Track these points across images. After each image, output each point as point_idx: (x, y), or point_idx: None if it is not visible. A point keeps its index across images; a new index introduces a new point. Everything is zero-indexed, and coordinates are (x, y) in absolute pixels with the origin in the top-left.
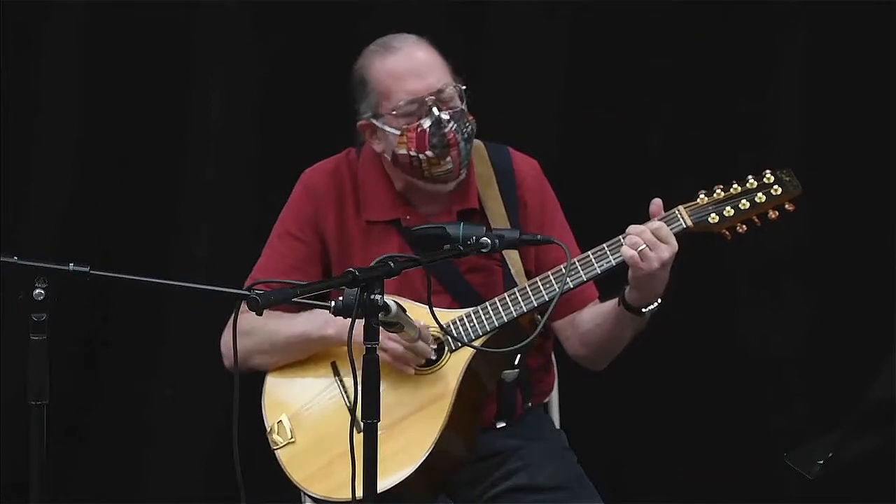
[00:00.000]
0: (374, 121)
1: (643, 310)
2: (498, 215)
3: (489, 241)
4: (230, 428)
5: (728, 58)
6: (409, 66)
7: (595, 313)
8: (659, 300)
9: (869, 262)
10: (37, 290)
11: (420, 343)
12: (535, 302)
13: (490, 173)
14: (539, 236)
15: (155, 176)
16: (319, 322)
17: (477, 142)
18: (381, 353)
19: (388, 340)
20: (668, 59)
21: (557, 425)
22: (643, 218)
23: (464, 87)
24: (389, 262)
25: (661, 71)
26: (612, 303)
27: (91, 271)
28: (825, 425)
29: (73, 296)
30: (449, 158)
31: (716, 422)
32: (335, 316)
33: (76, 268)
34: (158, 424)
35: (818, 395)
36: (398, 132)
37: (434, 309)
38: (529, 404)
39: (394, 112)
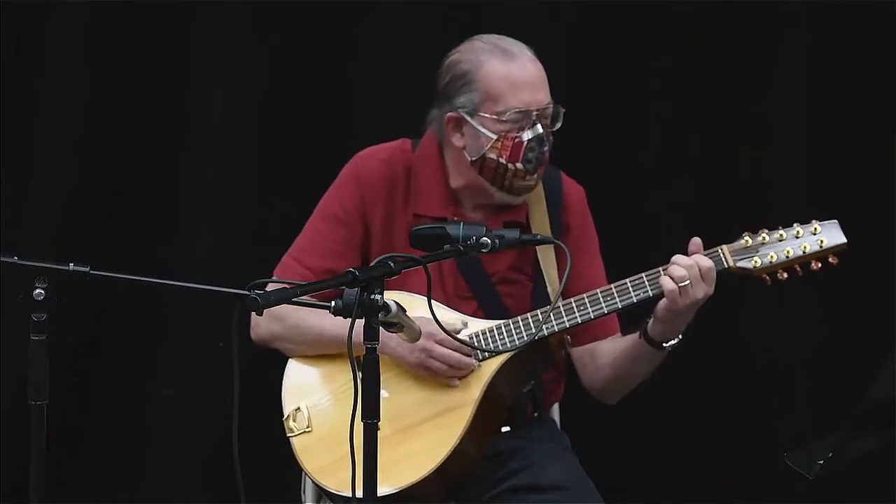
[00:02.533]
0: (467, 117)
1: (664, 344)
2: (542, 233)
3: (489, 241)
4: (230, 427)
5: (728, 58)
6: (526, 77)
7: (614, 346)
8: (680, 336)
9: (871, 264)
10: (37, 290)
11: (463, 358)
12: (567, 322)
13: (540, 191)
14: (539, 236)
15: (155, 176)
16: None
17: None
18: (423, 372)
19: (433, 360)
20: (668, 59)
21: (559, 427)
22: (643, 218)
23: (563, 110)
24: (389, 262)
25: (661, 71)
26: (632, 336)
27: (91, 271)
28: (827, 427)
29: (73, 296)
30: (535, 175)
31: (718, 424)
32: (335, 316)
33: (76, 268)
34: (158, 424)
35: (821, 399)
36: (494, 136)
37: (461, 315)
38: (536, 414)
39: (497, 117)
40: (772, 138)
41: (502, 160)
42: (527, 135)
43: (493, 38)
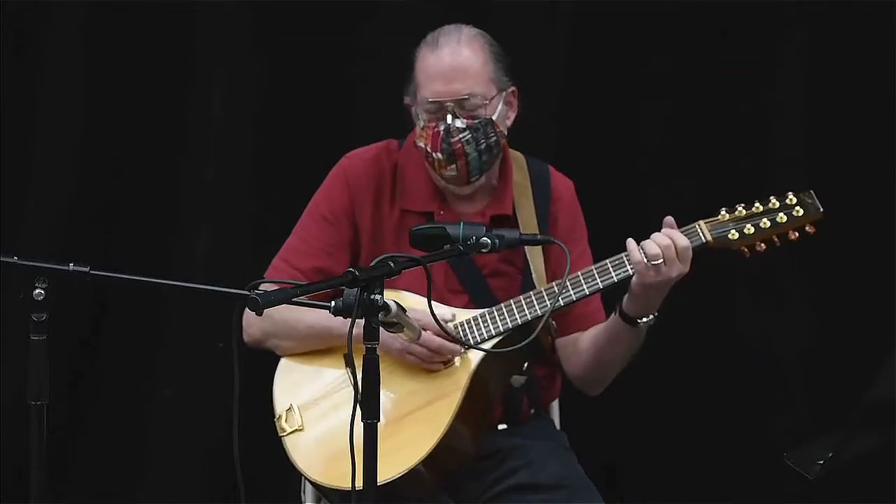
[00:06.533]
0: (412, 105)
1: (639, 321)
2: (530, 225)
3: (489, 240)
4: (230, 427)
5: (728, 58)
6: (439, 68)
7: (594, 331)
8: (655, 314)
9: (870, 261)
10: (37, 290)
11: (446, 343)
12: (549, 306)
13: (527, 183)
14: (539, 236)
15: (155, 176)
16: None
17: (518, 153)
18: (409, 358)
19: (415, 345)
20: (668, 59)
21: (558, 426)
22: (642, 218)
23: (509, 90)
24: (389, 262)
25: (661, 71)
26: (610, 318)
27: (91, 271)
28: (825, 425)
29: (73, 296)
30: (454, 166)
31: (716, 422)
32: (335, 316)
33: (76, 268)
34: (158, 424)
35: (819, 395)
36: (422, 124)
37: (450, 308)
38: (532, 411)
39: (421, 105)
40: (772, 138)
41: (427, 148)
42: (441, 125)
43: (447, 27)
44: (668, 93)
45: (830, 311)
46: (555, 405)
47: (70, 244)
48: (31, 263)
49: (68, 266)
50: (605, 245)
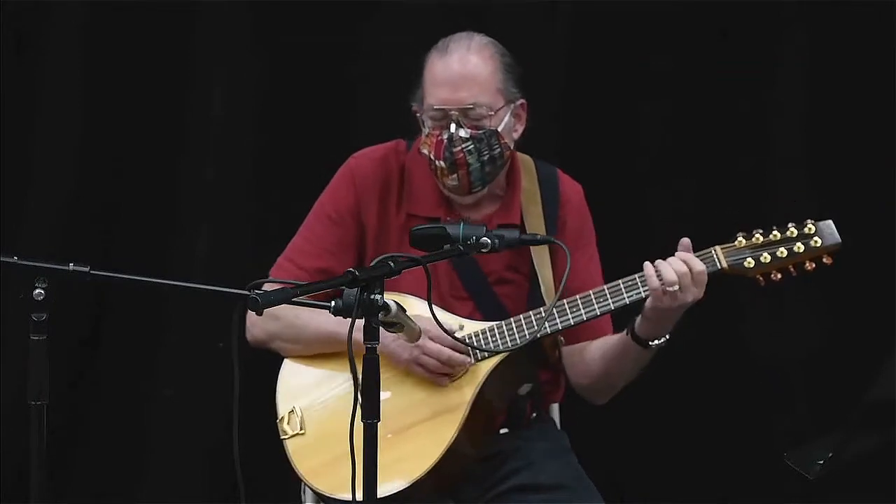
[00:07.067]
0: (419, 111)
1: (650, 343)
2: (537, 231)
3: (489, 240)
4: (230, 427)
5: (728, 58)
6: (446, 75)
7: (602, 344)
8: (667, 336)
9: (869, 261)
10: (37, 290)
11: (455, 355)
12: (559, 325)
13: (536, 189)
14: (539, 236)
15: (155, 176)
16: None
17: (527, 157)
18: (417, 369)
19: (425, 356)
20: (668, 59)
21: (558, 426)
22: (642, 218)
23: (518, 103)
24: (389, 262)
25: (661, 71)
26: (619, 334)
27: (91, 271)
28: (826, 427)
29: (73, 296)
30: (455, 175)
31: (717, 424)
32: (335, 316)
33: (76, 268)
34: (158, 424)
35: (820, 401)
36: (427, 130)
37: (457, 318)
38: (535, 415)
39: (426, 112)
40: (772, 138)
41: (430, 155)
42: (445, 133)
43: (458, 34)
44: (668, 93)
45: (829, 312)
46: (555, 406)
47: (70, 244)
48: (31, 263)
49: (68, 266)
50: (605, 245)
